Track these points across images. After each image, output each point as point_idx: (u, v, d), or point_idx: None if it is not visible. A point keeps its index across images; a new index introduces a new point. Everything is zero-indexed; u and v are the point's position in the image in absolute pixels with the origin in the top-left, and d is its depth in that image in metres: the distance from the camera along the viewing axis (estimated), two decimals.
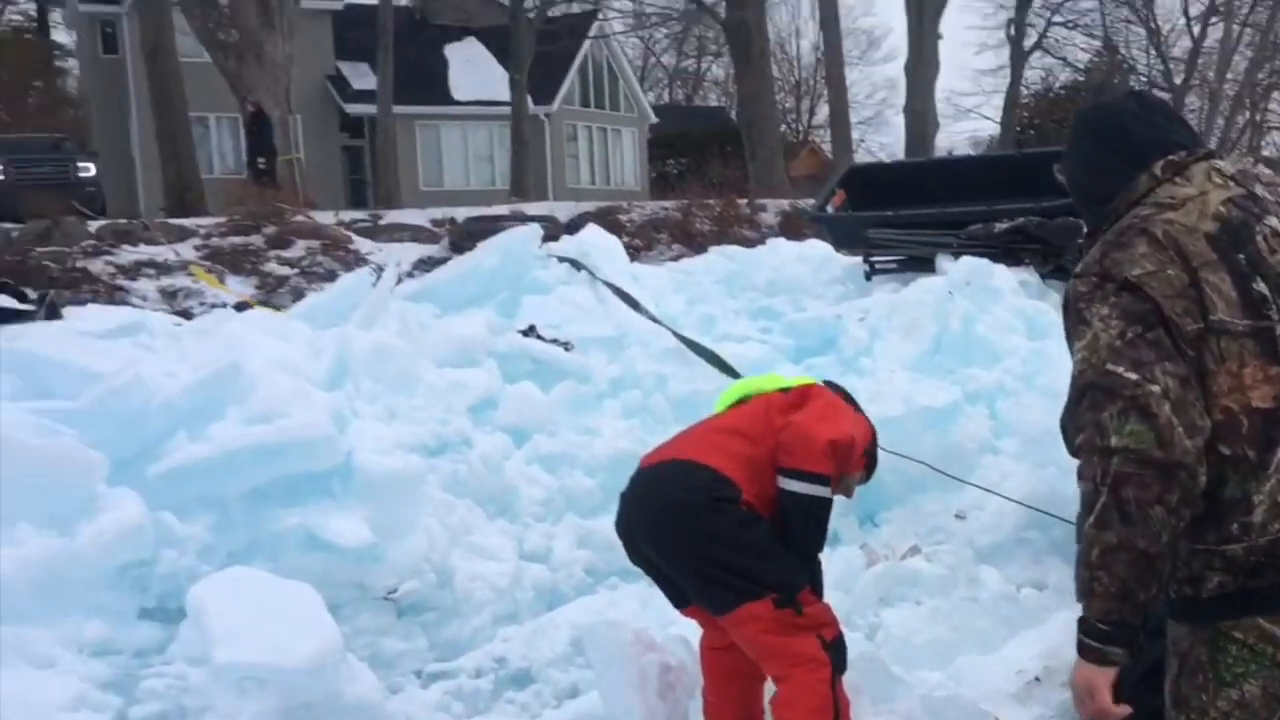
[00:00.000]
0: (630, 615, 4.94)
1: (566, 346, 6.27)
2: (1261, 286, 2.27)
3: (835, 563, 5.46)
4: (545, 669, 4.87)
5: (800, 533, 3.69)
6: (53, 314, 6.52)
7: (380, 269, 7.25)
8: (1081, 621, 2.25)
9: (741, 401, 3.98)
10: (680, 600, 3.84)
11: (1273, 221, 2.34)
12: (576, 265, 7.33)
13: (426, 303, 6.84)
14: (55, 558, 4.24)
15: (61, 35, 44.52)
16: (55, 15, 44.19)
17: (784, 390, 3.92)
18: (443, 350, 5.97)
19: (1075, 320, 2.34)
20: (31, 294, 7.18)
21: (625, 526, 3.83)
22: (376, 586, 4.85)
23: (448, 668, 4.88)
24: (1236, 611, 2.23)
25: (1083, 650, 2.25)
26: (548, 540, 5.50)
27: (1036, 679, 4.39)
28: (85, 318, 6.45)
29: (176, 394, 4.75)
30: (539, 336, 6.32)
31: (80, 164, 22.54)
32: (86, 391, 4.77)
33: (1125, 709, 2.24)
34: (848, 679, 3.91)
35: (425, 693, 4.74)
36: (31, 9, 46.00)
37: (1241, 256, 2.28)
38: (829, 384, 4.17)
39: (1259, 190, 2.40)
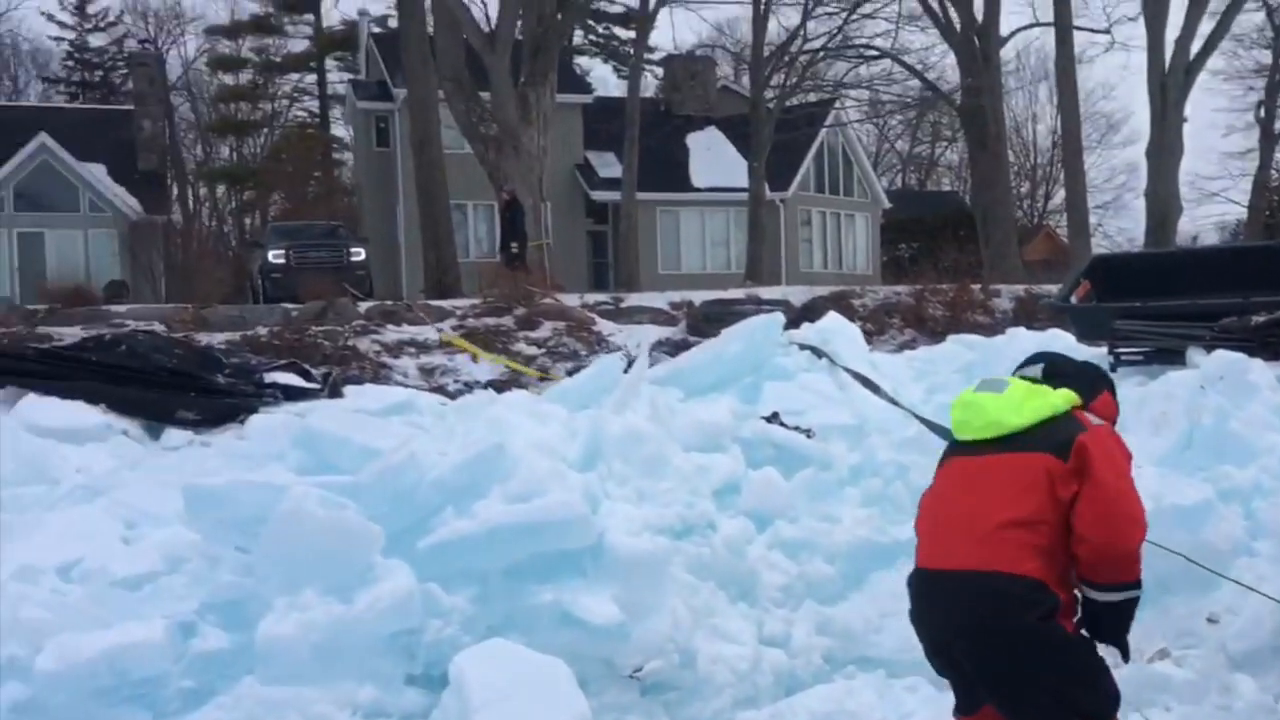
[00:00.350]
0: (867, 706, 4.85)
1: (808, 434, 6.27)
2: None
3: None
4: None
5: (1113, 629, 3.63)
6: (335, 392, 6.93)
7: (631, 356, 7.41)
8: None
9: (1000, 447, 3.65)
10: (970, 707, 3.72)
11: None
12: (818, 353, 7.33)
13: (672, 387, 6.95)
14: (336, 623, 4.48)
15: (339, 129, 47.74)
16: (335, 111, 47.46)
17: (1060, 454, 3.55)
18: (689, 435, 6.05)
19: None
20: (316, 372, 7.64)
21: (933, 634, 3.69)
22: (623, 664, 4.91)
23: None
24: None
25: None
26: (787, 626, 5.46)
27: None
28: (363, 396, 6.82)
29: (446, 472, 4.98)
30: (782, 423, 6.34)
31: (353, 249, 23.89)
32: (366, 467, 5.06)
33: None
34: None
35: None
36: (315, 106, 49.48)
37: None
38: (1055, 363, 3.93)
39: None
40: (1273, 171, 37.21)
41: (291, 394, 6.70)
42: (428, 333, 17.91)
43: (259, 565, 4.66)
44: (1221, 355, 6.80)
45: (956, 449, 3.81)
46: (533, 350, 17.81)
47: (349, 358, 16.35)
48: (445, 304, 19.62)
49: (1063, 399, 3.71)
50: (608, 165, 32.86)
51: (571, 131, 32.60)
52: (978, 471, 3.67)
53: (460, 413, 6.59)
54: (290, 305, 18.94)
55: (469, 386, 15.56)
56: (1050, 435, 3.59)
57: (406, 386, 12.49)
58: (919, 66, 32.23)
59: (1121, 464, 3.62)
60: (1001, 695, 3.52)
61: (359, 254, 23.73)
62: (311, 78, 48.94)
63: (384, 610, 4.55)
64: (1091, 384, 3.90)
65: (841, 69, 33.96)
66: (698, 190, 34.20)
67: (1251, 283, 7.93)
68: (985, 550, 3.51)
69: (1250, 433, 6.20)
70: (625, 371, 6.64)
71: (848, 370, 7.11)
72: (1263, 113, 36.62)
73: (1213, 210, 53.59)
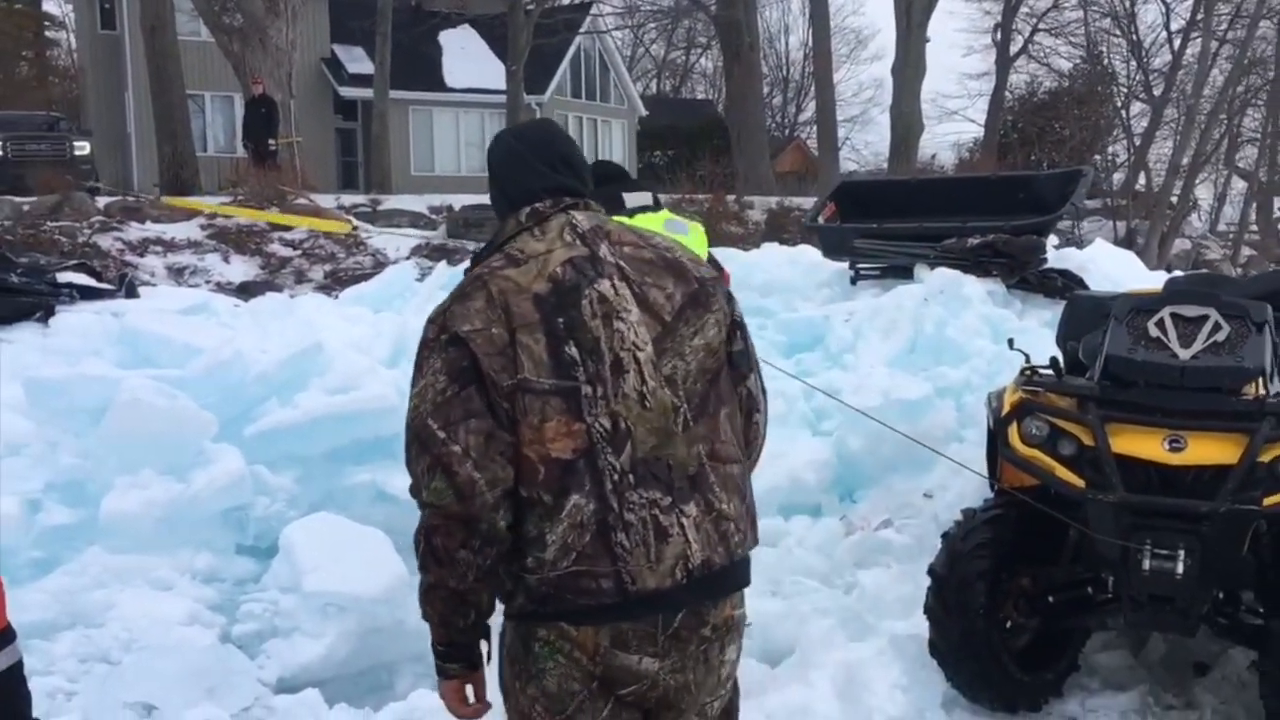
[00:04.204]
0: None
1: None
2: (573, 350, 2.44)
3: (817, 532, 6.41)
4: None
5: None
6: (131, 293, 7.38)
7: (428, 265, 8.07)
8: (432, 644, 2.60)
9: None
10: None
11: (604, 285, 2.51)
12: None
13: None
14: (174, 500, 5.18)
15: (53, 6, 44.98)
16: None
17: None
18: None
19: (416, 363, 2.52)
20: (106, 273, 8.03)
21: None
22: None
23: None
24: (542, 616, 2.49)
25: (436, 667, 2.63)
26: None
27: None
28: (158, 296, 7.33)
29: (270, 367, 5.69)
30: None
31: (76, 142, 23.10)
32: (189, 363, 5.71)
33: (481, 706, 2.64)
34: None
35: None
36: None
37: (561, 320, 2.45)
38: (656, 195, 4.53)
39: (603, 250, 2.56)
40: (1006, 93, 40.24)
41: (87, 294, 7.12)
42: (175, 231, 17.87)
43: (97, 449, 5.27)
44: (942, 272, 8.07)
45: None
46: (287, 252, 18.07)
47: (90, 255, 16.23)
48: (192, 200, 19.50)
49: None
50: (356, 61, 32.63)
51: (318, 24, 32.17)
52: None
53: (257, 314, 7.20)
54: (19, 199, 18.39)
55: (221, 288, 15.82)
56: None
57: (153, 286, 12.74)
58: None
59: None
60: None
61: (83, 147, 22.94)
62: None
63: (218, 489, 5.25)
64: None
65: None
66: (452, 90, 34.36)
67: (970, 209, 9.31)
68: None
69: (963, 339, 7.41)
70: (419, 280, 7.40)
71: None
72: (999, 35, 39.52)
73: (953, 128, 57.37)
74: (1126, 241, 25.56)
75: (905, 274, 8.69)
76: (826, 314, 8.51)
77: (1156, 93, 36.41)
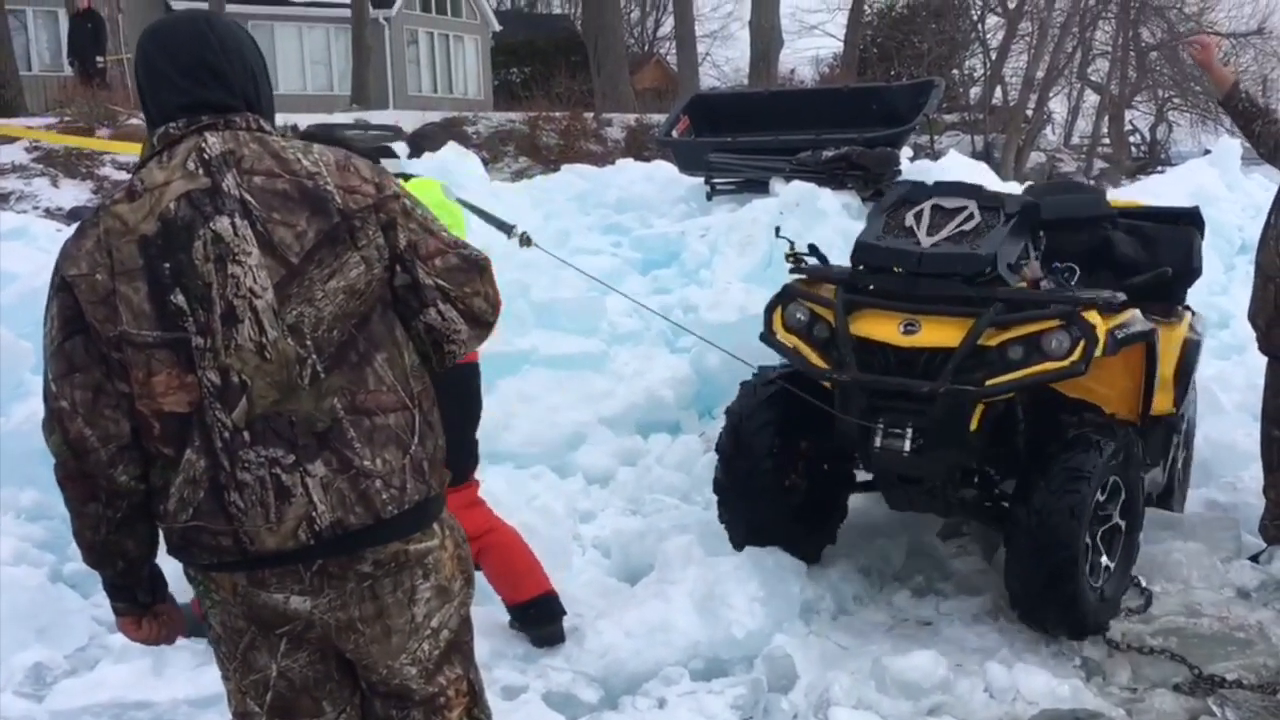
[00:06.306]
0: (499, 493, 5.80)
1: None
2: (180, 299, 2.27)
3: (677, 449, 6.45)
4: None
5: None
6: None
7: None
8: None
9: None
10: None
11: (221, 224, 2.29)
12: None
13: None
14: None
15: None
16: None
17: None
18: None
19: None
20: None
21: None
22: None
23: None
24: (184, 561, 2.47)
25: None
26: None
27: None
28: None
29: None
30: None
31: None
32: (5, 289, 5.46)
33: (160, 632, 2.62)
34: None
35: None
36: None
37: (168, 265, 2.27)
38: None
39: (228, 181, 2.31)
40: (866, 6, 40.38)
41: None
42: None
43: None
44: (797, 185, 8.11)
45: None
46: (122, 175, 17.37)
47: None
48: (14, 122, 18.64)
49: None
50: None
51: None
52: None
53: None
54: None
55: (51, 214, 15.17)
56: None
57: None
58: None
59: None
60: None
61: None
62: None
63: (40, 422, 4.98)
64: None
65: None
66: (293, 4, 33.24)
67: (823, 121, 9.36)
68: None
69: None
70: None
71: (466, 204, 7.82)
72: None
73: (812, 43, 57.47)
74: (984, 155, 26.04)
75: (761, 188, 8.71)
76: (682, 230, 8.52)
77: (1011, 5, 36.97)
